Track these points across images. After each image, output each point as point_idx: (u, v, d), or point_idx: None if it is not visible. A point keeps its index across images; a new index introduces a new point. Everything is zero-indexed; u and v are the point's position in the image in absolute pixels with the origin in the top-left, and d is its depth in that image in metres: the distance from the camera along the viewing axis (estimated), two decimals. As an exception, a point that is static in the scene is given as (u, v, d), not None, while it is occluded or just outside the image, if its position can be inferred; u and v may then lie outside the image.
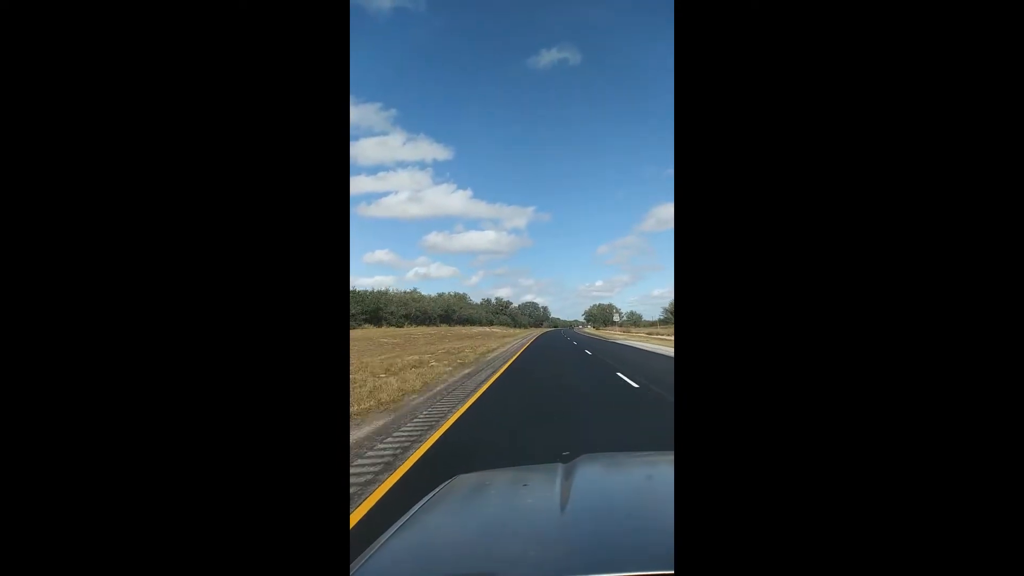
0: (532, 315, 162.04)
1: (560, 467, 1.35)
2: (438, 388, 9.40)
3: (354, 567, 0.86)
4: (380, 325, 64.94)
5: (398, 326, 66.64)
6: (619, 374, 11.09)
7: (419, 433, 5.56)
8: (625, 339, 37.76)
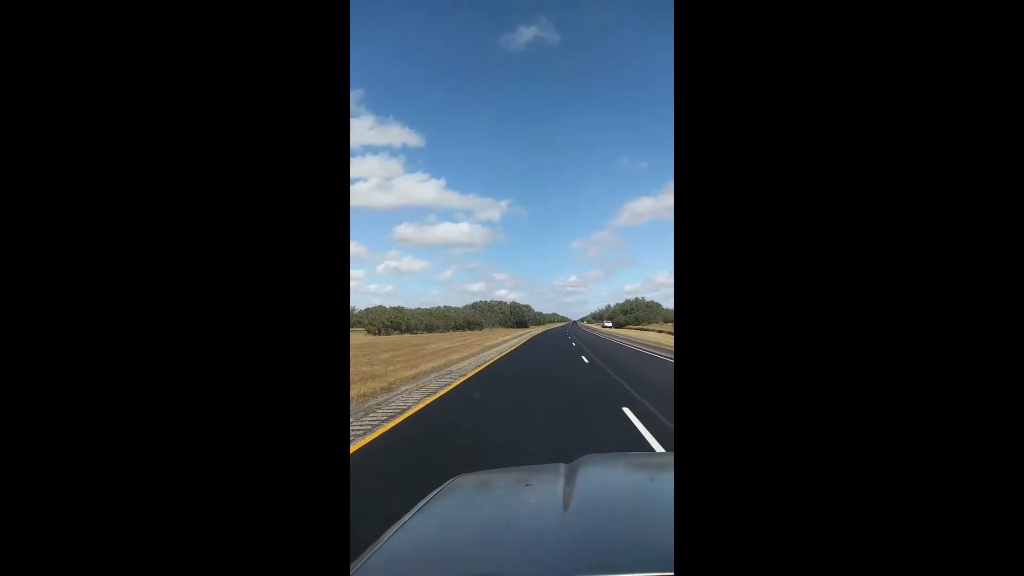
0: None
1: (562, 467, 1.36)
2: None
3: (354, 567, 0.86)
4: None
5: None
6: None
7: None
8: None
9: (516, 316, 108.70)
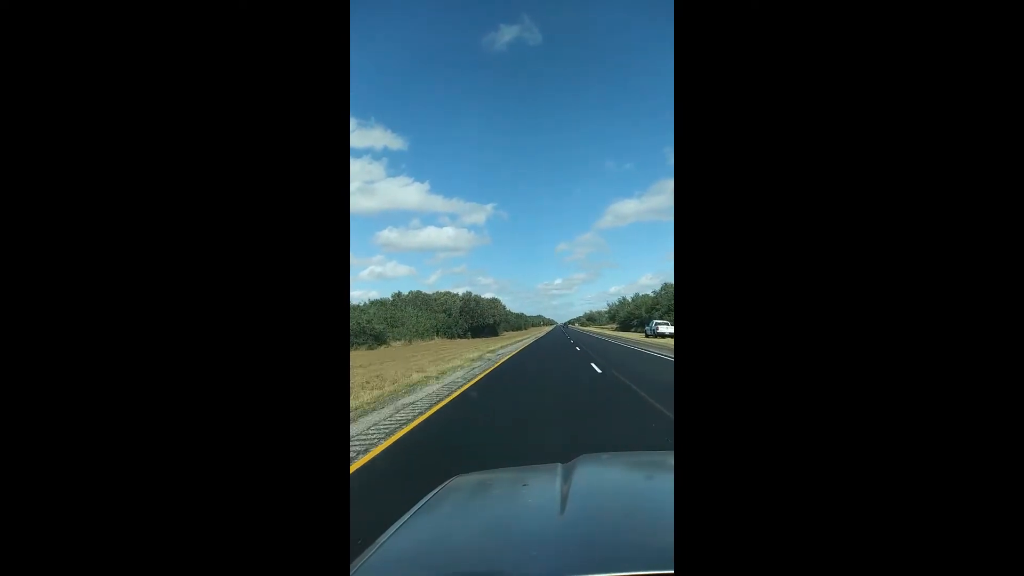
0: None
1: (560, 467, 1.36)
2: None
3: (354, 567, 0.85)
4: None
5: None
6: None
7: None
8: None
9: (472, 317, 54.76)
